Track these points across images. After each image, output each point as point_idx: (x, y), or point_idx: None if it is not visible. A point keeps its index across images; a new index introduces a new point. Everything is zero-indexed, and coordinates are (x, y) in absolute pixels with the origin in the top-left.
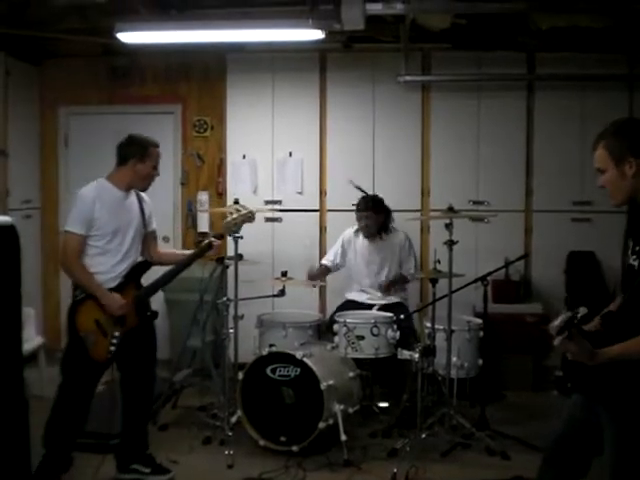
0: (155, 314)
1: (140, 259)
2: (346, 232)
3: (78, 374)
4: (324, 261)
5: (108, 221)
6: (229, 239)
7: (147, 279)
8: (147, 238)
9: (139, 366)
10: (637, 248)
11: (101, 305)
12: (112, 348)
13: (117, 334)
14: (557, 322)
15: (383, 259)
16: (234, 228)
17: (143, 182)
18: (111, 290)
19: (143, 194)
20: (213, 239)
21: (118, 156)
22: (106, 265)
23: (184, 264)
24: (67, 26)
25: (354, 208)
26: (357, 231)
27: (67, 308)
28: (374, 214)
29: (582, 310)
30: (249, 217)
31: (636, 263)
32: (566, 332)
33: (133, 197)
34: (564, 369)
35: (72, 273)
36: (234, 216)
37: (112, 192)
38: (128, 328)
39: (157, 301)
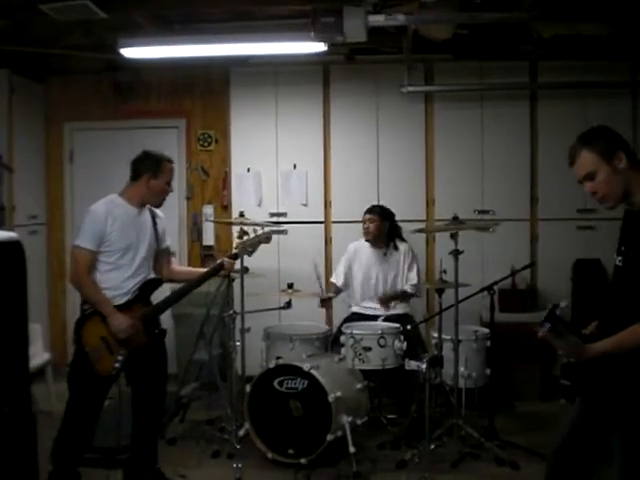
0: (164, 332)
1: (151, 276)
2: (350, 246)
3: (84, 388)
4: (333, 279)
5: (120, 237)
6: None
7: (156, 296)
8: (160, 255)
9: (149, 383)
10: (622, 248)
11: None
12: (117, 365)
13: (122, 352)
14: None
15: (387, 271)
16: (250, 249)
17: (157, 198)
18: (120, 307)
19: (157, 210)
20: (226, 259)
21: (132, 171)
22: (116, 281)
23: (194, 284)
24: (71, 42)
25: (359, 219)
26: (361, 241)
27: (75, 322)
28: (379, 219)
29: (563, 302)
30: (266, 238)
31: (621, 263)
32: (548, 324)
33: (147, 213)
34: (564, 375)
35: (81, 289)
36: (250, 237)
37: (124, 208)
38: (134, 347)
39: (164, 315)
